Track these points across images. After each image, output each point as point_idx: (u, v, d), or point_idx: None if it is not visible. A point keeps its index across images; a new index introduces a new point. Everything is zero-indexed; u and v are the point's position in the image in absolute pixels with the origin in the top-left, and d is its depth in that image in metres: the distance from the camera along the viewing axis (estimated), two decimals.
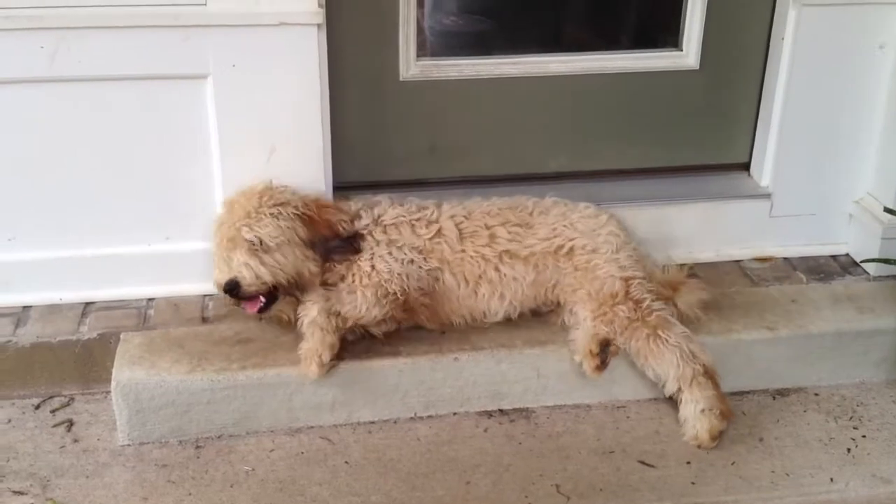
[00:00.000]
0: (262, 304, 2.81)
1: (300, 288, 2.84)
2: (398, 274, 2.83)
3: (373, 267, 2.84)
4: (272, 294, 2.82)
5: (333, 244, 2.85)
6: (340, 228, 2.87)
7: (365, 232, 2.90)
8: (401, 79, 3.20)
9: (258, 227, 2.76)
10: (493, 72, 3.24)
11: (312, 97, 2.96)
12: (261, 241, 2.76)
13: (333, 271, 2.88)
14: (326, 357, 2.73)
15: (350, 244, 2.86)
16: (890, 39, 3.19)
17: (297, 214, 2.81)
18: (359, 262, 2.87)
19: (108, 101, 2.90)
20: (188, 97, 2.93)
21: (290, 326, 2.85)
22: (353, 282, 2.85)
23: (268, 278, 2.77)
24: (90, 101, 2.90)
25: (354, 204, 2.99)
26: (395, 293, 2.81)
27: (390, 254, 2.86)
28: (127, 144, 2.97)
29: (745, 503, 2.65)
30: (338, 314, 2.77)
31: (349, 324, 2.80)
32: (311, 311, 2.75)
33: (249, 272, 2.75)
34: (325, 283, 2.88)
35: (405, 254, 2.88)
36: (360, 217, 2.94)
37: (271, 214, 2.78)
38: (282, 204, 2.81)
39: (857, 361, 3.09)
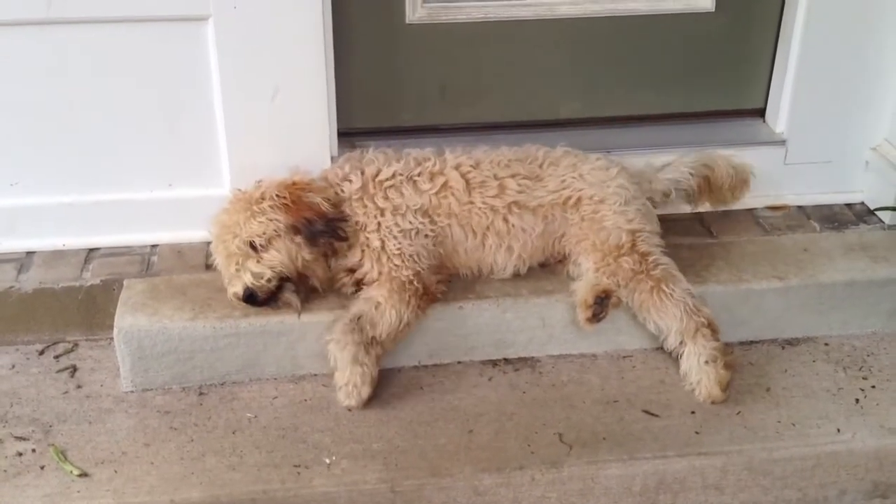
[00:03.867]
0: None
1: (307, 277, 2.80)
2: (409, 256, 2.77)
3: (382, 245, 2.78)
4: (279, 286, 2.76)
5: (318, 227, 2.74)
6: (323, 208, 2.76)
7: (357, 197, 2.82)
8: (407, 22, 3.13)
9: (243, 233, 2.72)
10: (502, 14, 3.16)
11: (316, 39, 2.90)
12: (251, 244, 2.72)
13: (340, 254, 2.83)
14: (366, 393, 2.71)
15: (335, 229, 2.76)
16: None
17: (275, 205, 2.73)
18: (367, 233, 2.80)
19: (108, 43, 2.86)
20: (189, 39, 2.88)
21: (298, 312, 2.81)
22: (366, 263, 2.80)
23: (270, 274, 2.72)
24: (90, 44, 2.86)
25: (341, 168, 2.89)
26: (411, 281, 2.75)
27: (397, 225, 2.78)
28: (128, 89, 2.93)
29: (749, 453, 2.63)
30: (374, 341, 2.72)
31: (388, 346, 2.76)
32: (348, 349, 2.68)
33: (250, 275, 2.72)
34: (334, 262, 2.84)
35: (410, 222, 2.80)
36: (350, 180, 2.84)
37: (251, 215, 2.73)
38: (257, 200, 2.75)
39: (869, 312, 3.04)
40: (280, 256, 2.72)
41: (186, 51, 2.90)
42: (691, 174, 3.06)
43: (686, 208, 3.23)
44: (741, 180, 3.15)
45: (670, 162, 3.13)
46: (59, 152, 3.01)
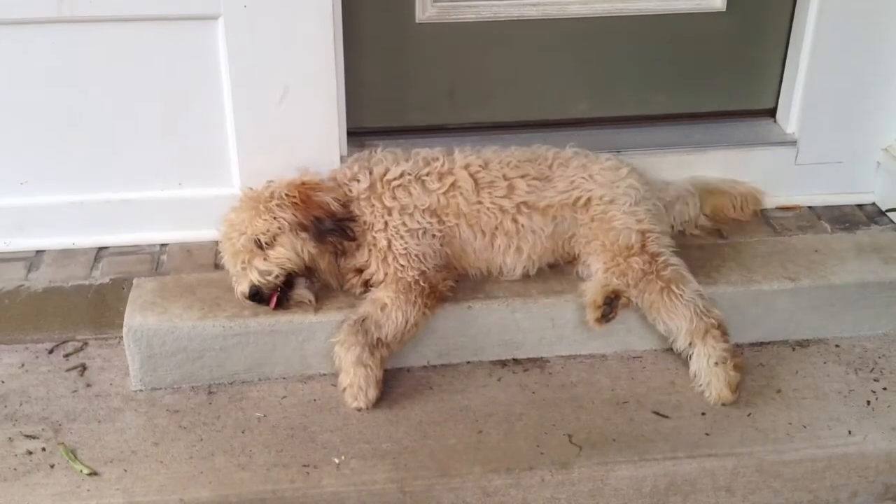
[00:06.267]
0: (277, 296, 2.75)
1: (314, 271, 2.80)
2: (415, 256, 2.77)
3: (389, 244, 2.78)
4: (288, 283, 2.76)
5: (327, 225, 2.74)
6: (332, 207, 2.77)
7: (365, 197, 2.82)
8: (417, 21, 3.13)
9: (248, 230, 2.73)
10: (512, 13, 3.15)
11: (326, 38, 2.90)
12: (256, 241, 2.73)
13: (348, 254, 2.83)
14: (373, 395, 2.71)
15: (343, 228, 2.77)
16: None
17: (283, 204, 2.73)
18: (374, 233, 2.80)
19: (118, 42, 2.86)
20: (199, 39, 2.88)
21: (314, 307, 2.81)
22: (372, 263, 2.80)
23: (276, 270, 2.72)
24: (100, 43, 2.86)
25: (350, 168, 2.89)
26: (417, 281, 2.74)
27: (405, 225, 2.78)
28: (138, 87, 2.94)
29: (760, 455, 2.62)
30: (380, 343, 2.71)
31: (395, 347, 2.76)
32: (353, 350, 2.68)
33: (256, 273, 2.72)
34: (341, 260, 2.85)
35: (418, 222, 2.80)
36: (358, 180, 2.84)
37: (257, 213, 2.74)
38: (266, 199, 2.76)
39: (881, 313, 3.02)
40: (286, 252, 2.73)
41: (196, 50, 2.90)
42: (692, 193, 3.10)
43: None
44: (750, 201, 3.20)
45: (671, 182, 3.16)
46: (68, 151, 3.01)
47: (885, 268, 3.01)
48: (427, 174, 2.86)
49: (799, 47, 3.22)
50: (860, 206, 3.36)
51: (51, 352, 2.93)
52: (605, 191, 2.88)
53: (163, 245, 3.14)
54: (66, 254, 3.09)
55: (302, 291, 2.79)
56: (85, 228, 3.10)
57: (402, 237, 2.77)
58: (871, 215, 3.31)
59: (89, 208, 3.08)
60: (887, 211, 3.28)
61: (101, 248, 3.12)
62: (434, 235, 2.82)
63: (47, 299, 2.97)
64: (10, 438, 2.63)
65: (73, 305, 2.98)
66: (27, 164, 3.02)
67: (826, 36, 3.15)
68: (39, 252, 3.10)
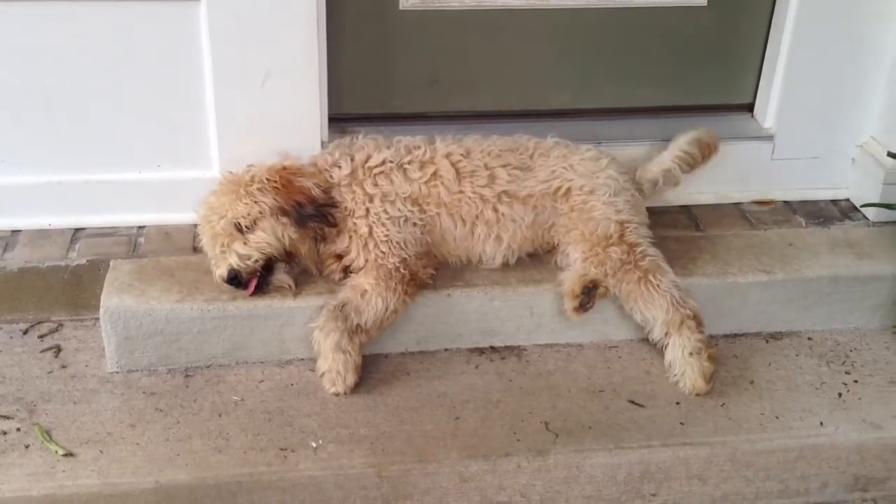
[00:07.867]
0: (256, 282, 2.75)
1: (294, 256, 2.80)
2: (396, 243, 2.77)
3: (370, 231, 2.78)
4: (267, 268, 2.76)
5: (308, 211, 2.74)
6: (314, 193, 2.76)
7: (346, 183, 2.81)
8: (401, 8, 3.12)
9: (228, 214, 2.72)
10: (496, 3, 3.16)
11: (309, 23, 2.89)
12: (236, 225, 2.72)
13: (329, 240, 2.83)
14: (351, 380, 2.72)
15: (324, 214, 2.76)
16: None
17: (264, 188, 2.73)
18: (355, 219, 2.79)
19: (98, 21, 2.84)
20: (181, 20, 2.86)
21: (293, 292, 2.81)
22: (353, 249, 2.80)
23: (256, 255, 2.72)
24: (79, 22, 2.83)
25: (331, 154, 2.89)
26: (398, 269, 2.75)
27: (386, 212, 2.78)
28: (118, 68, 2.92)
29: (733, 444, 2.65)
30: (359, 329, 2.72)
31: (374, 333, 2.76)
32: (332, 336, 2.68)
33: (235, 257, 2.71)
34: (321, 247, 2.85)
35: (399, 210, 2.80)
36: (339, 166, 2.84)
37: (237, 197, 2.72)
38: (246, 183, 2.74)
39: (853, 307, 3.07)
40: (266, 237, 2.72)
41: (178, 31, 2.88)
42: (679, 165, 3.08)
43: (674, 200, 3.27)
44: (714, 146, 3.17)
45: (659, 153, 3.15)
46: (46, 131, 2.98)
47: (857, 262, 3.05)
48: (409, 162, 2.86)
49: (778, 43, 3.25)
50: (834, 201, 3.40)
51: (25, 332, 2.91)
52: (584, 181, 2.90)
53: (140, 227, 3.12)
54: (42, 234, 3.07)
55: (281, 276, 2.78)
56: (62, 209, 3.08)
57: (383, 224, 2.78)
58: (846, 211, 3.35)
59: (66, 189, 3.05)
60: (861, 206, 3.33)
61: (77, 230, 3.10)
62: (415, 223, 2.82)
63: (22, 280, 2.95)
64: None
65: (49, 286, 2.95)
66: (4, 143, 2.99)
67: (805, 33, 3.18)
68: (15, 232, 3.08)
